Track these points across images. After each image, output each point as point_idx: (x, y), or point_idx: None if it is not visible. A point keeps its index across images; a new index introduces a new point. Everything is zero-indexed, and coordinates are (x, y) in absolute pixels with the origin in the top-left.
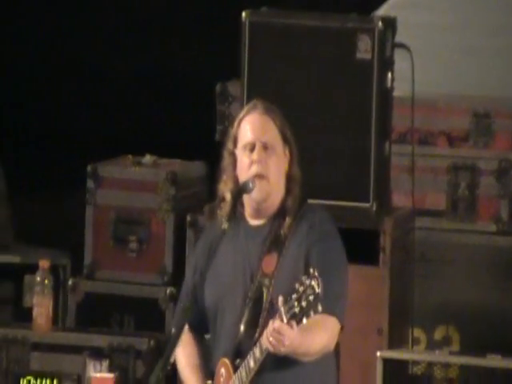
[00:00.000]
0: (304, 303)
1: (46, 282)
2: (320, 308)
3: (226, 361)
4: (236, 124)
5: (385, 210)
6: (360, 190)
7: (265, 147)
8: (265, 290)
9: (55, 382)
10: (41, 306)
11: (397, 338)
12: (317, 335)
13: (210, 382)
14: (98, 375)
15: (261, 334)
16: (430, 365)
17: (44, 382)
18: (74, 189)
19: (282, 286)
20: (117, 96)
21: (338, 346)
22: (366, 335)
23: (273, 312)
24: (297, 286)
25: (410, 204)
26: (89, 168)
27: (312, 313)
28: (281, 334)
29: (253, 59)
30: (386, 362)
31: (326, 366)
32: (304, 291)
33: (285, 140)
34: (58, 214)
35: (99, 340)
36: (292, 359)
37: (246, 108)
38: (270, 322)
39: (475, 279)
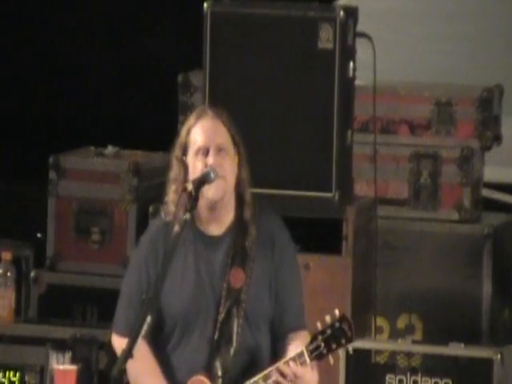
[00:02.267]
0: (334, 345)
1: (9, 274)
2: (351, 349)
3: (203, 378)
4: (185, 132)
5: (347, 199)
6: (322, 179)
7: (218, 150)
8: (235, 305)
9: (18, 374)
10: (3, 298)
11: (360, 327)
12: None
13: None
14: (61, 367)
15: (240, 348)
16: (393, 354)
17: (7, 374)
18: (36, 180)
19: (253, 300)
20: (78, 87)
21: None
22: None
23: (249, 324)
24: (319, 326)
25: (373, 193)
26: (51, 159)
27: (340, 353)
28: (301, 377)
29: (215, 49)
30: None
31: None
32: (332, 333)
33: (235, 143)
34: (19, 205)
35: (62, 332)
36: None
37: (194, 115)
38: (285, 367)
39: (438, 267)
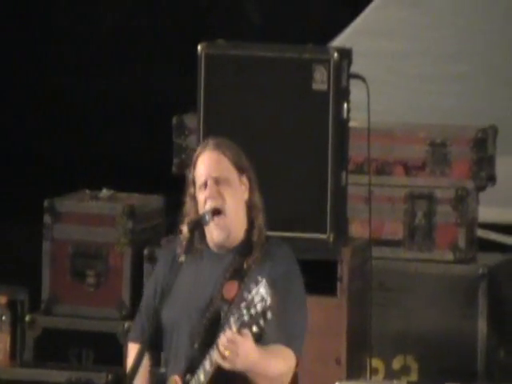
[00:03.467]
0: (253, 311)
1: (4, 318)
2: (270, 315)
3: (177, 378)
4: (192, 167)
5: (342, 241)
6: (317, 221)
7: (216, 182)
8: (222, 315)
9: None
10: None
11: (355, 368)
12: (275, 360)
13: None
14: None
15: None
16: None
17: None
18: (31, 223)
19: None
20: (73, 129)
21: (296, 376)
22: (325, 365)
23: None
24: (245, 294)
25: (368, 233)
26: (46, 203)
27: (262, 321)
28: (234, 343)
29: (209, 91)
30: None
31: None
32: (252, 299)
33: (240, 170)
34: (14, 249)
35: (57, 375)
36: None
37: (198, 149)
38: (221, 335)
39: (433, 308)
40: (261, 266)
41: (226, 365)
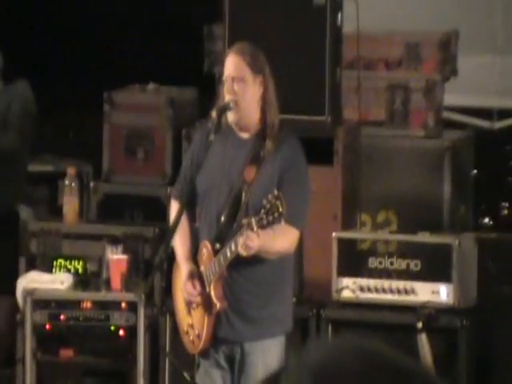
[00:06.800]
0: (270, 218)
1: (73, 185)
2: (283, 222)
3: (208, 244)
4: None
5: (338, 122)
6: (318, 106)
7: (233, 80)
8: (243, 193)
9: (81, 263)
10: (69, 204)
11: (348, 222)
12: (278, 241)
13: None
14: (115, 257)
15: (237, 229)
16: (374, 242)
17: (73, 263)
18: (94, 111)
19: (256, 193)
20: (127, 36)
21: (300, 241)
22: (325, 221)
23: (247, 212)
24: (265, 202)
25: (357, 116)
26: (105, 95)
27: (276, 226)
28: (251, 240)
29: (233, 5)
30: (340, 240)
31: (285, 263)
32: (270, 208)
33: (256, 71)
34: (82, 133)
35: (115, 230)
36: (259, 258)
37: (227, 51)
38: (244, 230)
39: (409, 174)
40: (274, 155)
41: (242, 252)
